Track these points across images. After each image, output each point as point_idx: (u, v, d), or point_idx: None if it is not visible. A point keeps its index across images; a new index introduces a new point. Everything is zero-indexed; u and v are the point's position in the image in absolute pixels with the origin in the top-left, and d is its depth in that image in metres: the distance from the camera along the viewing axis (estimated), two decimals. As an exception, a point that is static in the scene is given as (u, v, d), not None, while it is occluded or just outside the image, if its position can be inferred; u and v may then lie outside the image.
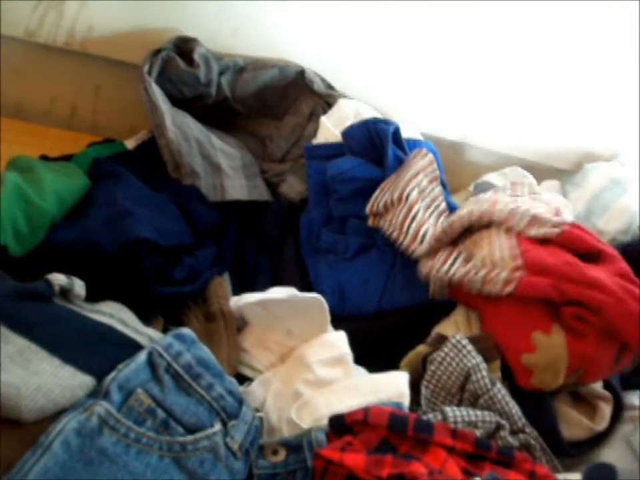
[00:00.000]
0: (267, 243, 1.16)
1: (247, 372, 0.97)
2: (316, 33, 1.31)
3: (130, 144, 1.24)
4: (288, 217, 1.20)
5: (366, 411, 0.81)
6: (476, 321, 1.06)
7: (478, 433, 0.86)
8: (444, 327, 1.08)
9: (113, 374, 0.78)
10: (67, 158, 1.19)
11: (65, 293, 0.86)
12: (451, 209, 1.18)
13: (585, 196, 1.38)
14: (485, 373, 0.93)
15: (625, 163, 1.45)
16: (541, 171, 1.43)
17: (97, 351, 0.80)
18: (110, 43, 1.30)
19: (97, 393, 0.78)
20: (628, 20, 1.30)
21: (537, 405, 0.97)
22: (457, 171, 1.39)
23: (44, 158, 1.17)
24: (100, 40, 1.29)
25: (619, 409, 1.01)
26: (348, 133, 1.21)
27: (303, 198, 1.22)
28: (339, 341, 0.96)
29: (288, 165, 1.26)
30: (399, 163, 1.19)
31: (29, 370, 0.75)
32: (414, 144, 1.25)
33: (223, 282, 1.01)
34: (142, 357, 0.80)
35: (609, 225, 1.33)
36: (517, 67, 1.37)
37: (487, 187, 1.28)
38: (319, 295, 0.99)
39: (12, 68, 1.34)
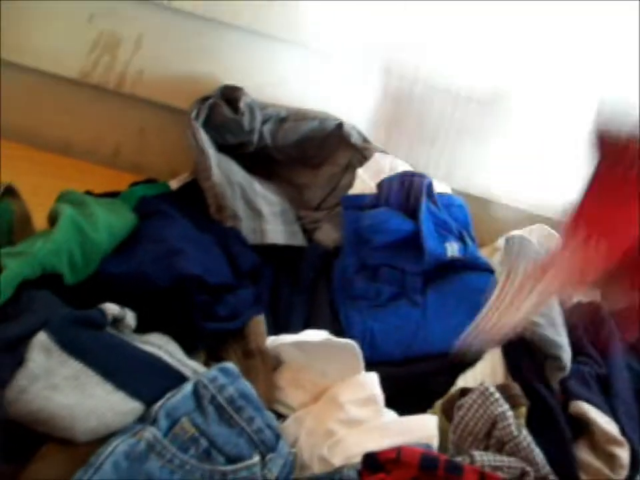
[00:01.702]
0: (301, 287, 1.20)
1: (281, 409, 1.00)
2: (354, 87, 1.36)
3: (173, 185, 1.28)
4: (322, 262, 1.24)
5: (398, 449, 0.85)
6: (500, 370, 1.10)
7: (504, 477, 0.89)
8: (469, 376, 1.11)
9: (161, 402, 0.82)
10: (111, 195, 1.23)
11: (117, 322, 0.90)
12: (481, 262, 1.22)
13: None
14: (511, 420, 0.96)
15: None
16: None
17: (146, 379, 0.84)
18: (158, 87, 1.36)
19: (144, 419, 0.81)
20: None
21: (560, 453, 1.00)
22: (483, 226, 1.42)
23: (88, 194, 1.21)
24: (149, 84, 1.35)
25: (635, 458, 1.04)
26: (384, 185, 1.26)
27: (336, 245, 1.26)
28: (370, 382, 1.00)
29: (323, 213, 1.31)
30: (431, 215, 1.24)
31: (84, 393, 0.79)
32: (446, 198, 1.30)
33: (261, 321, 1.05)
34: (188, 387, 0.84)
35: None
36: (544, 127, 1.41)
37: (518, 241, 1.31)
38: (349, 339, 1.03)
39: (63, 106, 1.40)
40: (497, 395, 0.98)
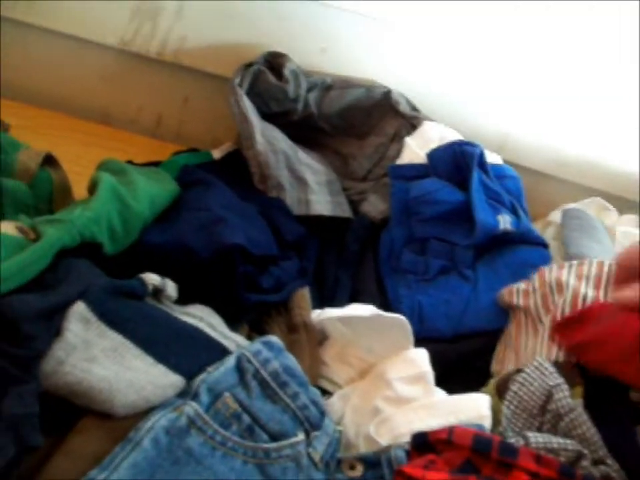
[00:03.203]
0: (347, 260, 1.17)
1: (326, 385, 0.97)
2: (403, 55, 1.32)
3: (216, 154, 1.26)
4: (369, 234, 1.20)
5: (450, 430, 0.81)
6: (555, 350, 1.05)
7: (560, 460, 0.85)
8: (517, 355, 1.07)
9: (202, 376, 0.79)
10: (153, 164, 1.21)
11: (157, 293, 0.87)
12: (535, 236, 1.18)
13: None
14: (567, 393, 0.92)
15: None
16: (620, 205, 1.41)
17: (187, 352, 0.81)
18: (201, 55, 1.33)
19: (185, 394, 0.79)
20: None
21: (621, 437, 0.95)
22: (536, 199, 1.37)
23: (130, 163, 1.18)
24: (191, 52, 1.32)
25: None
26: (433, 154, 1.21)
27: (384, 217, 1.22)
28: (420, 358, 0.96)
29: (370, 184, 1.27)
30: (483, 186, 1.19)
31: (123, 365, 0.76)
32: (498, 169, 1.25)
33: (306, 294, 1.02)
34: (231, 361, 0.81)
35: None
36: (602, 106, 1.36)
37: (576, 214, 1.26)
38: (398, 314, 0.99)
39: (103, 75, 1.38)
40: (552, 368, 0.94)
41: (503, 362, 1.09)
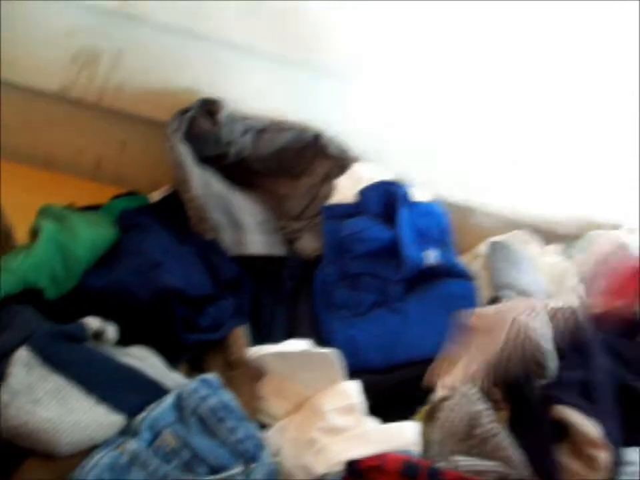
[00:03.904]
0: (282, 297, 1.21)
1: (264, 419, 1.01)
2: (331, 99, 1.38)
3: (154, 197, 1.29)
4: (303, 272, 1.25)
5: (381, 457, 0.86)
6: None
7: (484, 480, 0.91)
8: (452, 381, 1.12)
9: (143, 414, 0.83)
10: (93, 208, 1.24)
11: (98, 336, 0.91)
12: (461, 269, 1.24)
13: (591, 260, 1.43)
14: (492, 417, 0.97)
15: (632, 230, 1.51)
16: (545, 236, 1.48)
17: (128, 392, 0.85)
18: (138, 100, 1.36)
19: (127, 432, 0.82)
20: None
21: (541, 455, 1.01)
22: (463, 232, 1.43)
23: (69, 207, 1.21)
24: (129, 98, 1.36)
25: (616, 460, 1.05)
26: (363, 194, 1.27)
27: (317, 255, 1.26)
28: (351, 390, 1.01)
29: (304, 223, 1.32)
30: (410, 223, 1.25)
31: (66, 407, 0.80)
32: (425, 206, 1.31)
33: (243, 332, 1.06)
34: (170, 399, 0.85)
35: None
36: (526, 138, 1.42)
37: (502, 246, 1.33)
38: (331, 348, 1.04)
39: (43, 120, 1.41)
40: (478, 394, 1.00)
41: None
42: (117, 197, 1.30)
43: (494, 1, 1.24)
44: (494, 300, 1.24)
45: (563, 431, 1.09)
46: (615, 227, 1.50)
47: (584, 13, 1.25)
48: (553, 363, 1.13)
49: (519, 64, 1.31)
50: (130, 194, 1.32)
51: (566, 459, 1.04)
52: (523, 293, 1.22)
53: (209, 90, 1.34)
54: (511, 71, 1.32)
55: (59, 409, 0.79)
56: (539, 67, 1.31)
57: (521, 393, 1.10)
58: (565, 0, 1.23)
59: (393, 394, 1.14)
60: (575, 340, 1.22)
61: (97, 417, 0.80)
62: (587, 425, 1.08)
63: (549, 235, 1.50)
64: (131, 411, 0.83)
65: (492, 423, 0.97)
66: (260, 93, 1.36)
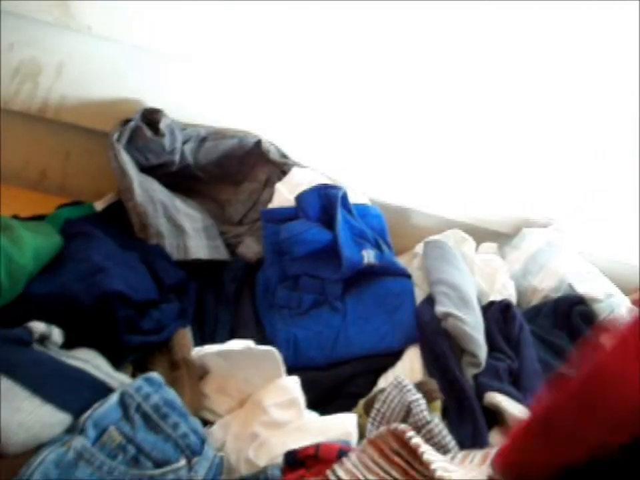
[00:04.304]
0: (225, 299, 1.25)
1: (208, 416, 1.05)
2: (274, 106, 1.42)
3: (98, 206, 1.32)
4: (245, 274, 1.29)
5: (317, 447, 0.90)
6: (418, 369, 1.17)
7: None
8: (389, 376, 1.18)
9: (88, 412, 0.86)
10: (38, 218, 1.27)
11: (44, 339, 0.94)
12: (397, 268, 1.29)
13: (522, 257, 1.50)
14: (423, 407, 1.03)
15: (559, 228, 1.57)
16: (480, 234, 1.54)
17: (73, 392, 0.88)
18: (81, 111, 1.39)
19: (73, 430, 0.85)
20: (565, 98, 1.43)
21: (475, 441, 1.07)
22: (401, 233, 1.49)
23: (15, 217, 1.24)
24: (72, 109, 1.39)
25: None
26: (301, 198, 1.32)
27: (259, 258, 1.31)
28: (291, 385, 1.05)
29: (245, 228, 1.36)
30: (348, 225, 1.30)
31: (12, 408, 0.83)
32: (362, 208, 1.36)
33: (186, 333, 1.10)
34: (115, 397, 0.89)
35: (543, 283, 1.46)
36: (459, 139, 1.48)
37: (437, 244, 1.38)
38: (274, 347, 1.09)
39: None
40: (410, 385, 1.05)
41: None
42: (62, 206, 1.33)
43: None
44: (429, 299, 1.29)
45: (496, 416, 1.15)
46: (546, 224, 1.56)
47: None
48: (483, 353, 1.19)
49: (451, 60, 1.36)
50: (75, 203, 1.35)
51: (498, 443, 1.10)
52: (456, 289, 1.27)
53: (150, 100, 1.37)
54: (444, 70, 1.37)
55: (5, 410, 0.82)
56: (470, 65, 1.37)
57: (455, 381, 1.16)
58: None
59: (332, 389, 1.19)
60: (506, 332, 1.28)
61: (42, 416, 0.84)
62: (518, 410, 1.14)
63: (482, 233, 1.57)
64: (77, 409, 0.87)
65: (423, 412, 1.02)
66: (197, 102, 1.40)
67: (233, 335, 1.19)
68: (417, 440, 0.85)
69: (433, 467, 0.82)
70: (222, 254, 1.29)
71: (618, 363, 0.70)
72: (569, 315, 1.38)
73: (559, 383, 0.74)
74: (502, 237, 1.58)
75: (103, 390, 0.91)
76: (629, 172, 1.47)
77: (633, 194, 1.50)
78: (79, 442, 0.83)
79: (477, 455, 0.94)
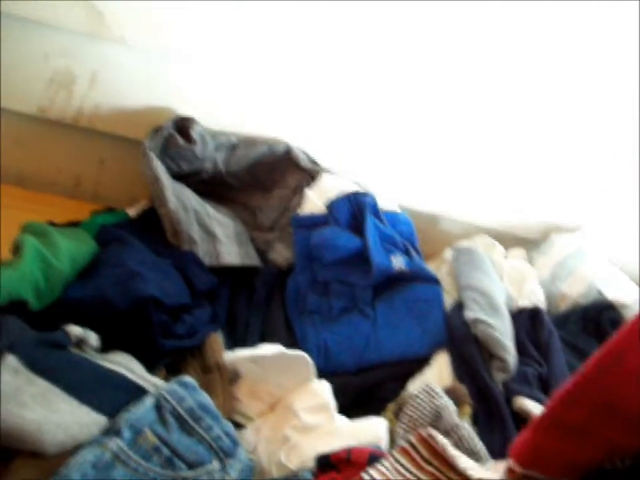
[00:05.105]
0: (256, 304, 1.26)
1: (240, 419, 1.07)
2: (304, 113, 1.44)
3: (131, 213, 1.35)
4: (276, 280, 1.31)
5: (349, 450, 0.92)
6: (447, 374, 1.18)
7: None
8: (418, 382, 1.19)
9: (124, 414, 0.88)
10: (73, 224, 1.29)
11: (80, 343, 0.96)
12: (427, 273, 1.30)
13: (551, 263, 1.50)
14: (452, 410, 1.03)
15: (587, 234, 1.58)
16: (508, 240, 1.55)
17: (109, 394, 0.90)
18: (114, 119, 1.42)
19: (109, 431, 0.87)
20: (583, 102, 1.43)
21: (505, 446, 1.07)
22: (430, 239, 1.50)
23: (50, 224, 1.26)
24: (105, 117, 1.42)
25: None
26: (331, 205, 1.34)
27: (289, 263, 1.33)
28: (322, 390, 1.07)
29: (276, 234, 1.38)
30: (377, 231, 1.31)
31: (50, 409, 0.85)
32: (392, 215, 1.37)
33: (218, 338, 1.12)
34: (150, 400, 0.90)
35: (572, 289, 1.46)
36: (488, 146, 1.49)
37: (466, 250, 1.39)
38: (305, 352, 1.10)
39: (20, 140, 1.46)
40: (439, 390, 1.06)
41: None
42: (96, 212, 1.35)
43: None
44: (458, 304, 1.30)
45: (524, 421, 1.16)
46: (574, 230, 1.56)
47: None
48: (512, 358, 1.20)
49: (476, 71, 1.38)
50: (108, 210, 1.37)
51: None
52: (486, 295, 1.28)
53: (182, 108, 1.39)
54: (469, 80, 1.39)
55: (44, 411, 0.84)
56: (494, 73, 1.38)
57: (485, 387, 1.16)
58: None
59: (362, 394, 1.20)
60: (535, 338, 1.28)
61: (79, 417, 0.85)
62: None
63: (511, 239, 1.57)
64: (112, 411, 0.88)
65: (452, 415, 1.03)
66: (230, 111, 1.42)
67: (263, 339, 1.20)
68: (451, 450, 0.86)
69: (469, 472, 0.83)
70: (253, 260, 1.31)
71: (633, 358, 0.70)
72: (598, 321, 1.38)
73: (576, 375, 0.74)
74: (530, 243, 1.58)
75: (138, 392, 0.93)
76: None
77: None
78: (115, 443, 0.85)
79: None
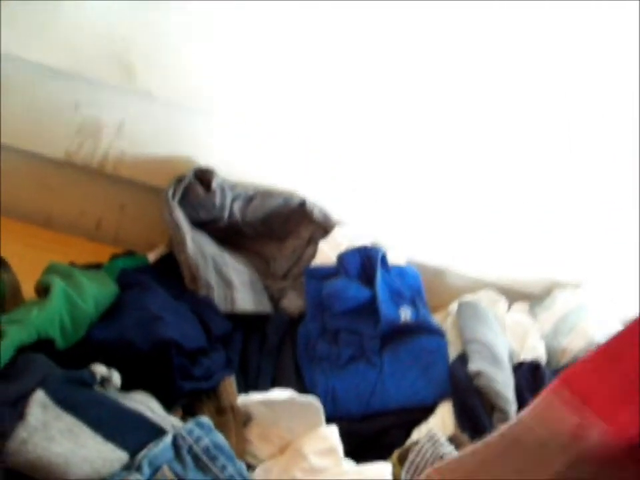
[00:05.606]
0: (268, 350, 1.31)
1: (251, 460, 1.11)
2: (318, 169, 1.50)
3: (151, 257, 1.40)
4: (287, 327, 1.36)
5: (355, 493, 0.96)
6: (450, 423, 1.22)
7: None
8: (423, 430, 1.23)
9: (144, 452, 0.93)
10: (94, 266, 1.35)
11: (104, 381, 1.01)
12: (432, 326, 1.35)
13: (553, 318, 1.55)
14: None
15: (590, 290, 1.62)
16: (512, 294, 1.60)
17: (130, 432, 0.95)
18: (138, 167, 1.48)
19: (129, 467, 0.92)
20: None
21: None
22: (437, 292, 1.55)
23: (72, 265, 1.31)
24: (129, 165, 1.48)
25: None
26: (342, 257, 1.39)
27: (301, 312, 1.38)
28: (330, 434, 1.12)
29: (288, 282, 1.43)
30: (386, 284, 1.37)
31: (77, 444, 0.90)
32: (400, 269, 1.43)
33: (232, 382, 1.16)
34: (168, 438, 0.95)
35: (573, 344, 1.50)
36: (493, 204, 1.55)
37: (470, 304, 1.45)
38: (313, 397, 1.15)
39: (47, 183, 1.53)
40: (444, 439, 1.11)
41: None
42: (116, 256, 1.41)
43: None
44: (462, 357, 1.35)
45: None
46: (577, 285, 1.62)
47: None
48: (513, 410, 1.24)
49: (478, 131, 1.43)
50: (128, 253, 1.43)
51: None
52: (488, 348, 1.33)
53: (202, 159, 1.45)
54: (472, 139, 1.44)
55: (71, 445, 0.89)
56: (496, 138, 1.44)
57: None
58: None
59: (368, 440, 1.24)
60: (535, 390, 1.33)
61: (103, 453, 0.90)
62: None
63: (515, 294, 1.62)
64: (134, 448, 0.93)
65: (456, 464, 1.08)
66: (248, 163, 1.48)
67: (274, 384, 1.25)
68: None
69: None
70: (266, 307, 1.36)
71: None
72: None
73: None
74: (534, 298, 1.63)
75: (157, 431, 0.98)
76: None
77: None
78: (135, 478, 0.89)
79: None
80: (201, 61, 1.36)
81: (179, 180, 1.40)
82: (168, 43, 1.34)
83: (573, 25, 1.29)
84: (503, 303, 1.55)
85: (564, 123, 1.41)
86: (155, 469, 0.93)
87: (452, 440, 1.16)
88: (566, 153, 1.46)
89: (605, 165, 1.47)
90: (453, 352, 1.38)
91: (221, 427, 1.07)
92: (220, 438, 0.99)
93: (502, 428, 0.83)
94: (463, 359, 1.34)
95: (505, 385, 1.27)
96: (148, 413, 1.00)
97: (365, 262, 1.38)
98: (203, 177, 1.42)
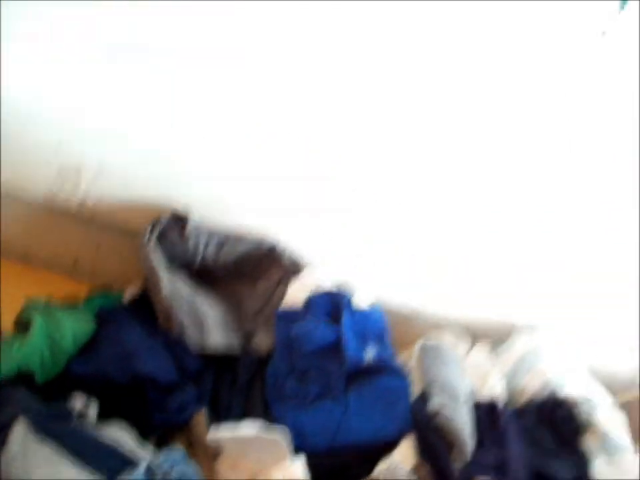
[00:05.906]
0: (239, 387, 1.37)
1: (220, 491, 1.17)
2: (288, 213, 1.56)
3: (126, 295, 1.45)
4: (257, 365, 1.41)
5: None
6: (412, 455, 1.28)
7: None
8: (387, 463, 1.29)
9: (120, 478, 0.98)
10: (71, 302, 1.40)
11: (81, 414, 1.06)
12: (395, 366, 1.43)
13: (512, 359, 1.63)
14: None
15: (547, 332, 1.70)
16: (474, 336, 1.68)
17: (107, 460, 1.01)
18: (114, 211, 1.54)
19: (105, 494, 0.97)
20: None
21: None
22: (402, 333, 1.61)
23: (50, 300, 1.36)
24: (106, 209, 1.53)
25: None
26: (311, 300, 1.46)
27: (271, 350, 1.43)
28: (297, 466, 1.18)
29: (259, 322, 1.49)
30: (352, 326, 1.44)
31: (56, 470, 0.95)
32: (365, 312, 1.51)
33: (203, 416, 1.22)
34: (142, 467, 1.01)
35: (530, 384, 1.58)
36: (455, 250, 1.62)
37: (433, 345, 1.53)
38: (281, 431, 1.21)
39: (25, 224, 1.58)
40: (404, 470, 1.17)
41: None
42: (93, 293, 1.46)
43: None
44: (423, 396, 1.41)
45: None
46: (535, 328, 1.69)
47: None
48: (469, 447, 1.31)
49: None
50: (104, 289, 1.49)
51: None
52: (449, 388, 1.40)
53: (177, 204, 1.51)
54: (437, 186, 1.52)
55: (50, 471, 0.94)
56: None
57: (444, 470, 1.27)
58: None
59: (334, 474, 1.30)
60: (492, 428, 1.40)
61: (83, 477, 0.95)
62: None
63: (477, 335, 1.70)
64: (109, 477, 0.98)
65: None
66: (223, 209, 1.55)
67: (243, 418, 1.30)
68: None
69: None
70: (237, 346, 1.42)
71: None
72: (551, 417, 1.49)
73: None
74: (495, 339, 1.70)
75: (133, 459, 1.03)
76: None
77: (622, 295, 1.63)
78: (109, 505, 0.95)
79: None
80: (179, 110, 1.42)
81: (155, 224, 1.46)
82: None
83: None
84: (464, 344, 1.62)
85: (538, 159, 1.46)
86: (130, 496, 0.97)
87: (415, 470, 1.22)
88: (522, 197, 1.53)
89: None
90: (417, 389, 1.44)
91: (192, 457, 1.12)
92: (191, 467, 1.04)
93: None
94: (424, 397, 1.40)
95: (462, 422, 1.34)
96: (123, 443, 1.05)
97: (332, 305, 1.46)
98: (178, 221, 1.48)
